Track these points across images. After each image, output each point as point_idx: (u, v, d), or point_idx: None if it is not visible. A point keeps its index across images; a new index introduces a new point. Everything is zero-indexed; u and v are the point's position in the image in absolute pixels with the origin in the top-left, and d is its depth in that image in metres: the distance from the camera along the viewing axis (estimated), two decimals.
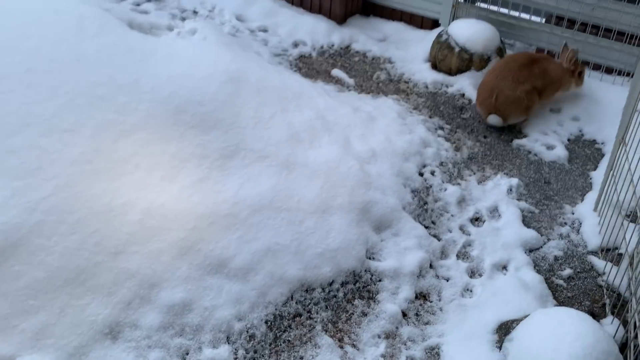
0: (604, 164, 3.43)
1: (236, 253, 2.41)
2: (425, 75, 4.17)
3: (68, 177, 2.31)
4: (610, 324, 2.42)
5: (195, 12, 4.90)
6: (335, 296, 2.53)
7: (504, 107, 3.56)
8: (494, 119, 3.61)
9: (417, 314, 2.56)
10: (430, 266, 2.74)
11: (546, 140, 3.62)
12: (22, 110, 2.44)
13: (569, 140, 3.68)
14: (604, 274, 2.75)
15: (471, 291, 2.67)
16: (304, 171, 2.85)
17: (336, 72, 4.24)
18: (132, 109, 2.61)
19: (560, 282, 2.73)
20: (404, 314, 2.54)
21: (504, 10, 4.36)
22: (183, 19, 4.63)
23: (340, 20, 4.75)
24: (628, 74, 4.06)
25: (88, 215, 2.26)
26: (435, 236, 2.90)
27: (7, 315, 2.04)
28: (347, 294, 2.55)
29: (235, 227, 2.47)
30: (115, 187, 2.37)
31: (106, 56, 2.80)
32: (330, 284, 2.55)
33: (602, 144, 3.65)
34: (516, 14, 4.31)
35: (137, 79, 2.73)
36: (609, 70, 4.14)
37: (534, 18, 4.28)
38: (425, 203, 3.09)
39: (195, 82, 2.87)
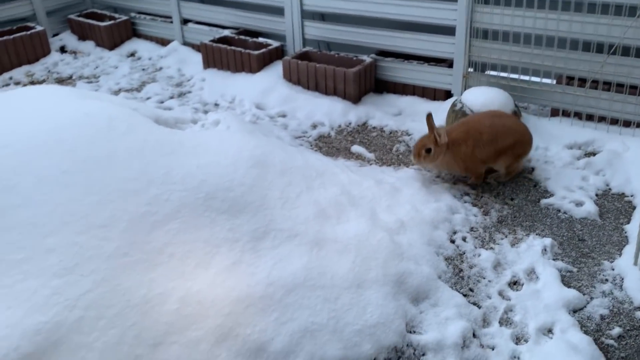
0: (637, 217, 3.37)
1: (274, 336, 2.37)
2: None
3: (105, 271, 2.35)
4: None
5: (216, 105, 5.12)
6: None
7: None
8: None
9: None
10: (474, 335, 2.65)
11: (574, 197, 3.60)
12: (59, 210, 2.52)
13: (596, 195, 3.65)
14: None
15: (519, 358, 2.56)
16: (335, 246, 2.85)
17: (356, 148, 4.33)
18: (163, 200, 2.68)
19: (611, 342, 2.61)
20: None
21: (514, 76, 4.48)
22: (205, 112, 4.84)
23: (355, 99, 4.91)
24: None
25: (126, 308, 2.27)
26: (474, 304, 2.83)
27: None
28: None
29: (271, 309, 2.45)
30: (151, 277, 2.39)
31: (136, 152, 2.92)
32: None
33: (632, 196, 3.61)
34: (527, 77, 4.42)
35: (167, 171, 2.82)
36: (626, 124, 4.17)
37: (545, 80, 4.39)
38: (461, 270, 3.04)
39: (222, 169, 2.96)
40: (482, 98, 4.17)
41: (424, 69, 4.84)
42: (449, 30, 4.61)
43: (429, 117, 3.58)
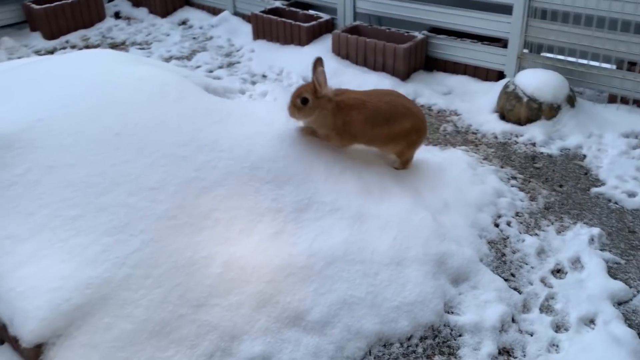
0: None
1: (313, 305, 2.41)
2: (493, 125, 4.15)
3: (154, 232, 2.42)
4: None
5: (264, 76, 5.14)
6: (414, 352, 2.46)
7: None
8: None
9: None
10: (513, 320, 2.63)
11: (626, 187, 3.48)
12: (111, 171, 2.61)
13: None
14: None
15: (557, 347, 2.53)
16: (376, 222, 2.85)
17: None
18: (211, 167, 2.73)
19: None
20: None
21: (572, 59, 4.31)
22: (253, 83, 4.87)
23: (404, 76, 4.84)
24: None
25: (172, 268, 2.34)
26: (515, 289, 2.80)
27: None
28: (427, 349, 2.48)
29: (311, 280, 2.48)
30: (197, 241, 2.46)
31: (187, 119, 2.97)
32: (409, 339, 2.49)
33: None
34: (585, 61, 4.26)
35: (215, 139, 2.87)
36: None
37: (604, 65, 4.21)
38: (503, 255, 3.00)
39: (269, 140, 2.99)
40: (536, 81, 4.05)
41: (477, 47, 4.72)
42: (505, 9, 4.46)
43: (317, 61, 2.99)
